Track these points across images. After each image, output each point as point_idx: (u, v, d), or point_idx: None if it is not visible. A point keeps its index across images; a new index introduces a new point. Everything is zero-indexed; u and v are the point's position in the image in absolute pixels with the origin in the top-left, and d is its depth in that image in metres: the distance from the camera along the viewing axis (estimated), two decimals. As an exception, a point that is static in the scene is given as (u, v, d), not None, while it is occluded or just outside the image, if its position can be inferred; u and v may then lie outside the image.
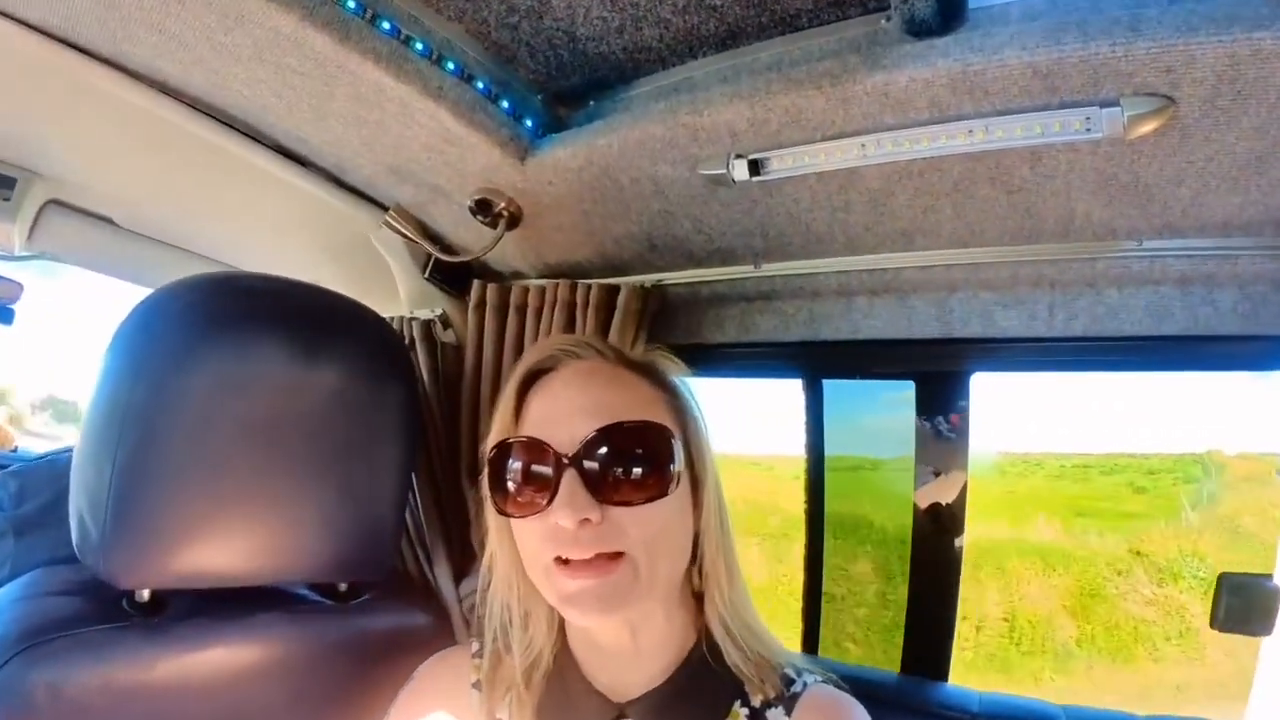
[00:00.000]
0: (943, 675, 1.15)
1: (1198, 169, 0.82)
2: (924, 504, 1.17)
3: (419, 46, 0.98)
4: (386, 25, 0.95)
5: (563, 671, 0.86)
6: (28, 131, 1.36)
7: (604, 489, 0.75)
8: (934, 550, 1.17)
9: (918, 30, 0.79)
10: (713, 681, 0.82)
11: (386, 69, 0.96)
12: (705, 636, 0.84)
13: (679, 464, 0.79)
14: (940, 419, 1.15)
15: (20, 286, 2.05)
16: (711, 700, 0.83)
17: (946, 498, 1.16)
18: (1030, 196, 0.92)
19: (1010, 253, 1.02)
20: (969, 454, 1.14)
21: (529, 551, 0.80)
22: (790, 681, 0.84)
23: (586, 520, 0.74)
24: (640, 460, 0.77)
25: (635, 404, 0.80)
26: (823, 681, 0.86)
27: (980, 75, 0.76)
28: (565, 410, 0.79)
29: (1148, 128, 0.76)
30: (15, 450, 2.55)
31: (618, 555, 0.76)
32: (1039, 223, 0.96)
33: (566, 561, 0.76)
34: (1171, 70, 0.70)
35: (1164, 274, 0.97)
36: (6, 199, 1.46)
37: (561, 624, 0.88)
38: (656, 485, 0.77)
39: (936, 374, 1.16)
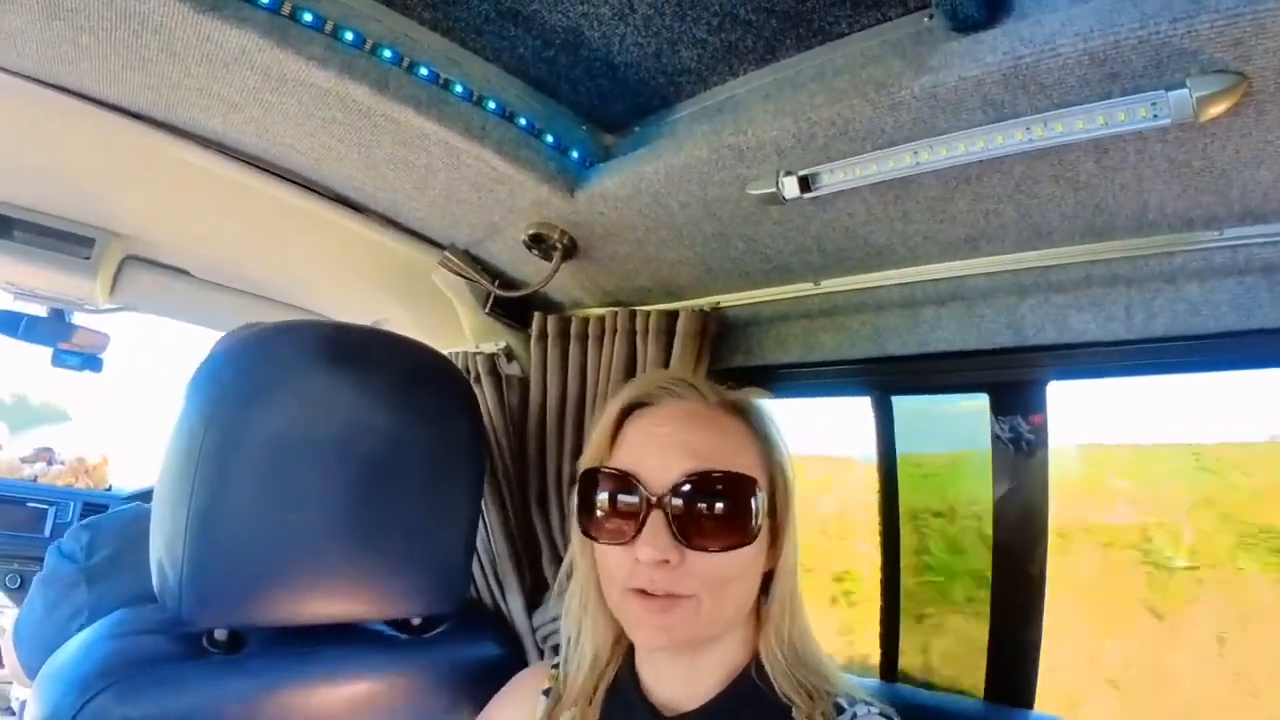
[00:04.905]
0: (1028, 703, 1.09)
1: (1277, 148, 0.75)
2: (1005, 520, 1.11)
3: (458, 89, 0.99)
4: (424, 71, 0.96)
5: (625, 685, 0.89)
6: (101, 195, 1.44)
7: (687, 532, 0.79)
8: (1017, 569, 1.10)
9: (962, 25, 0.74)
10: (761, 703, 0.83)
11: (428, 114, 0.98)
12: (757, 660, 0.85)
13: (761, 515, 0.81)
14: (1018, 432, 1.09)
15: (107, 337, 2.16)
16: None
17: (1029, 513, 1.09)
18: (1098, 192, 0.86)
19: (1081, 252, 0.96)
20: (1049, 467, 1.07)
21: (609, 575, 0.84)
22: (840, 710, 0.82)
23: (666, 561, 0.78)
24: (724, 510, 0.80)
25: (727, 451, 0.82)
26: (879, 713, 0.83)
27: (1033, 68, 0.72)
28: (660, 448, 0.82)
29: (1220, 108, 0.69)
30: (109, 489, 2.66)
31: (686, 596, 0.79)
32: (1110, 218, 0.90)
33: (643, 591, 0.79)
34: (1240, 43, 0.64)
35: (1248, 264, 0.89)
36: (86, 257, 1.56)
37: (630, 642, 0.91)
38: (737, 535, 0.80)
39: (1011, 385, 1.10)
